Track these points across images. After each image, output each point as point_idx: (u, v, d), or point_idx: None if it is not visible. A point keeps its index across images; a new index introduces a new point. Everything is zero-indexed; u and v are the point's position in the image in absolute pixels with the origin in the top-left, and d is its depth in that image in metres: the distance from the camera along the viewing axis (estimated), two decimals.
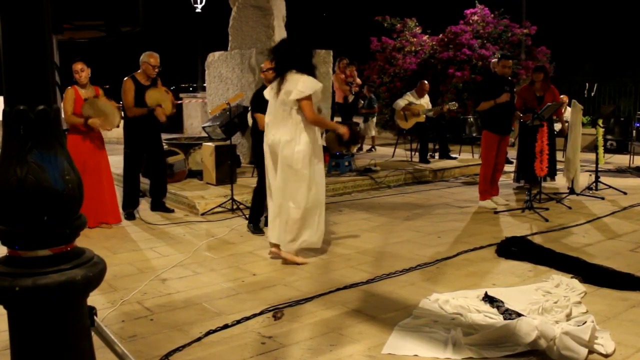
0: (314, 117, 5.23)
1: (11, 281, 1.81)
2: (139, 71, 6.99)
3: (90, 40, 2.48)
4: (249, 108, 9.19)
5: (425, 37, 16.07)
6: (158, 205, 7.48)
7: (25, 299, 1.83)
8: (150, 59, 6.92)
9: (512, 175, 9.53)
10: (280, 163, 5.19)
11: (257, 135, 6.45)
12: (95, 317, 2.13)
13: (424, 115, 10.91)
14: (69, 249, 1.91)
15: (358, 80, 12.51)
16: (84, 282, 1.90)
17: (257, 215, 6.54)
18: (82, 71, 6.38)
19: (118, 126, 6.70)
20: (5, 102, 1.83)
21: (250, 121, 9.04)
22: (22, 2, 1.78)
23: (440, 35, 15.79)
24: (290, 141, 5.14)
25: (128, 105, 6.89)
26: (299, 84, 5.15)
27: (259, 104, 6.18)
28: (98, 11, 2.17)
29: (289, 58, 5.28)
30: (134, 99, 6.87)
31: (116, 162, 10.36)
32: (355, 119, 12.34)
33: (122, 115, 6.64)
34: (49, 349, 1.90)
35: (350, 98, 12.06)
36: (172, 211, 7.45)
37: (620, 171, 10.71)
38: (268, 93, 5.43)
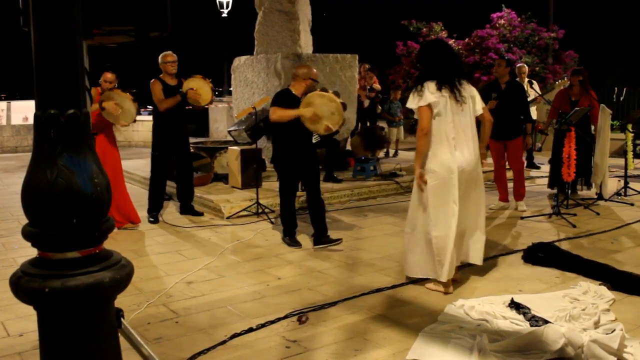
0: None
1: (41, 282, 1.84)
2: (163, 74, 7.09)
3: (119, 45, 2.52)
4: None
5: (451, 42, 16.01)
6: (187, 209, 7.53)
7: (54, 300, 1.85)
8: (166, 57, 7.08)
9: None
10: (471, 185, 4.73)
11: (281, 138, 6.02)
12: (122, 319, 2.15)
13: None
14: (97, 251, 1.94)
15: (377, 86, 12.48)
16: (112, 284, 1.92)
17: (291, 227, 6.13)
18: (110, 83, 6.51)
19: (135, 121, 6.70)
20: (37, 106, 1.86)
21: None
22: (54, 9, 1.81)
23: (467, 39, 15.72)
24: (476, 159, 4.73)
25: (159, 99, 6.96)
26: (475, 91, 4.84)
27: (280, 101, 5.89)
28: (127, 17, 2.20)
29: (458, 62, 4.89)
30: (163, 96, 6.96)
31: (142, 165, 10.49)
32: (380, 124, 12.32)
33: (138, 111, 6.63)
34: (77, 349, 1.93)
35: (366, 103, 12.01)
36: (202, 214, 7.49)
37: None
38: (440, 102, 4.58)
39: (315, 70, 6.18)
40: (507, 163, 7.98)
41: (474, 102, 4.76)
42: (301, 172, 6.04)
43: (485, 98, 7.59)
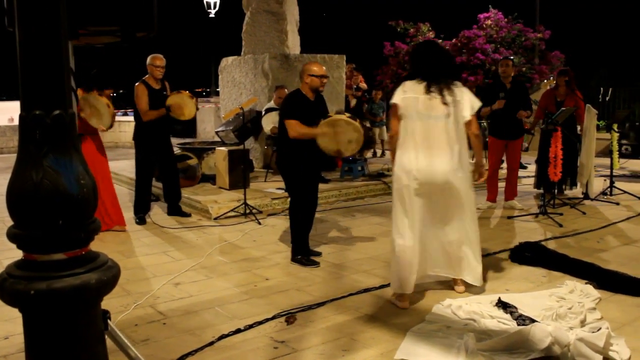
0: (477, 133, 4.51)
1: (26, 285, 1.83)
2: (148, 75, 7.05)
3: (106, 46, 2.50)
4: (263, 113, 9.26)
5: (438, 42, 16.05)
6: (175, 210, 7.51)
7: (40, 302, 1.84)
8: (155, 61, 7.01)
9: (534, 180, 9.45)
10: (444, 197, 4.41)
11: (287, 145, 5.43)
12: (109, 321, 2.14)
13: None
14: (83, 252, 1.92)
15: (363, 85, 12.50)
16: (98, 286, 1.91)
17: (305, 243, 5.58)
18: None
19: (112, 126, 6.57)
20: (22, 107, 1.85)
21: (267, 128, 9.10)
22: (39, 9, 1.80)
23: (454, 39, 15.78)
24: (453, 168, 4.34)
25: (143, 109, 6.92)
26: (465, 96, 4.42)
27: (294, 110, 5.34)
28: (113, 17, 2.19)
29: (444, 62, 4.47)
30: (148, 103, 6.92)
31: (128, 166, 10.44)
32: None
33: (114, 114, 6.50)
34: (63, 352, 1.91)
35: (353, 102, 12.03)
36: (189, 215, 7.47)
37: (635, 176, 10.64)
38: (412, 102, 4.35)
39: (315, 64, 5.52)
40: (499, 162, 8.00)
41: (460, 106, 4.37)
42: (311, 176, 5.60)
43: (491, 98, 7.56)
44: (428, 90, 4.33)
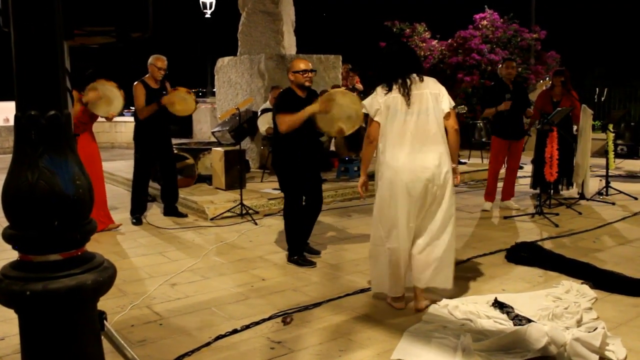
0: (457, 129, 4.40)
1: (22, 285, 1.82)
2: (148, 75, 7.03)
3: (101, 46, 2.50)
4: (259, 113, 9.26)
5: (434, 42, 16.06)
6: (171, 211, 7.49)
7: (35, 303, 1.83)
8: (157, 62, 6.97)
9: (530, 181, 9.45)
10: (430, 196, 4.20)
11: (282, 145, 5.40)
12: (105, 322, 2.14)
13: None
14: (79, 253, 1.92)
15: (359, 86, 12.51)
16: (94, 286, 1.90)
17: (300, 243, 5.53)
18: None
19: (123, 109, 6.52)
20: (17, 107, 1.84)
21: (263, 128, 9.11)
22: (34, 9, 1.79)
23: (450, 40, 15.76)
24: (440, 165, 4.18)
25: (139, 107, 6.91)
26: (442, 90, 4.33)
27: (285, 106, 5.22)
28: (109, 17, 2.19)
29: (410, 58, 4.39)
30: (145, 102, 6.90)
31: (125, 166, 10.43)
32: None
33: (125, 98, 6.45)
34: (59, 353, 1.91)
35: None
36: (185, 216, 7.45)
37: (630, 176, 10.65)
38: (391, 102, 4.22)
39: (298, 60, 5.41)
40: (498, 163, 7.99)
41: (438, 100, 4.25)
42: (308, 176, 5.46)
43: (496, 99, 7.56)
44: (389, 89, 4.23)
